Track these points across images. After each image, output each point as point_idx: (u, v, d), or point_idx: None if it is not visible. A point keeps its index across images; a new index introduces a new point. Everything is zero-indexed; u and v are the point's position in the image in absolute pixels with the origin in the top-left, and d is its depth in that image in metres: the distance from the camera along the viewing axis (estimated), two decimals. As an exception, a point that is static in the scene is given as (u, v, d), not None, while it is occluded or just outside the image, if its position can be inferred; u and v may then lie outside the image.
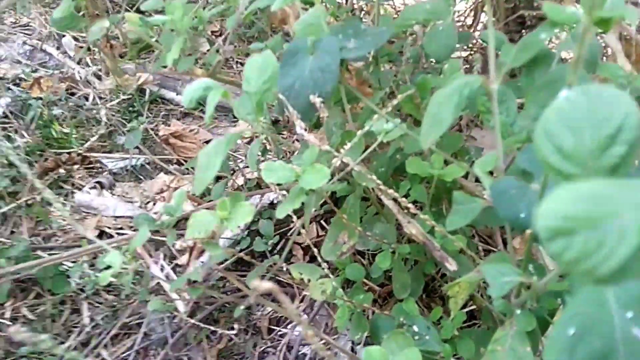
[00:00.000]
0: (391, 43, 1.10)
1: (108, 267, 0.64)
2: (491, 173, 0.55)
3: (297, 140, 1.21)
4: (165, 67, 0.86)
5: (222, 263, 1.01)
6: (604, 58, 1.51)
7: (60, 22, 0.81)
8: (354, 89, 0.85)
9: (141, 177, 1.25)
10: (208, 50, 1.65)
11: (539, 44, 0.50)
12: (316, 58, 0.65)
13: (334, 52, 0.64)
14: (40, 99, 1.36)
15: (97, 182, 1.17)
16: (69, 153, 1.23)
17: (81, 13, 1.70)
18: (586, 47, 0.32)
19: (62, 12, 0.79)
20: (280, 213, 0.56)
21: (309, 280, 0.69)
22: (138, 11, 0.96)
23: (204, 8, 1.31)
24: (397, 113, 0.88)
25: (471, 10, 1.47)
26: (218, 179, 1.21)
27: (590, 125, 0.31)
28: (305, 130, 0.62)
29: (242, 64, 1.79)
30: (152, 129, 1.37)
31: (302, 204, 0.63)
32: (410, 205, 0.65)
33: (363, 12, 1.36)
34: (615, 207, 0.20)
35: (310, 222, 1.11)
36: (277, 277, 0.85)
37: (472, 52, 1.61)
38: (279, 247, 1.03)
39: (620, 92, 0.32)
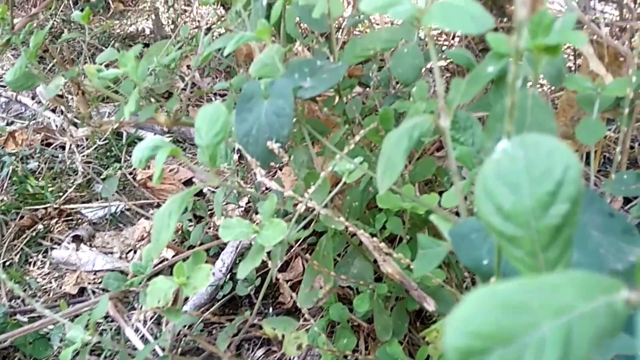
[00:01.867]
0: (365, 62, 1.08)
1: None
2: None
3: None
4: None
5: (209, 306, 0.98)
6: (577, 63, 1.50)
7: (15, 83, 0.80)
8: (320, 122, 0.83)
9: (121, 225, 1.22)
10: (180, 89, 1.64)
11: (486, 77, 0.48)
12: (271, 102, 0.63)
13: (288, 95, 0.61)
14: (15, 154, 1.35)
15: (75, 236, 1.14)
16: (45, 208, 1.20)
17: (52, 64, 1.69)
18: (516, 96, 0.30)
19: (14, 74, 0.77)
20: (241, 273, 0.53)
21: (283, 336, 0.66)
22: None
23: (177, 43, 1.30)
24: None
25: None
26: (199, 219, 1.18)
27: (530, 181, 0.29)
28: (280, 167, 0.60)
29: (221, 96, 1.78)
30: (130, 174, 1.35)
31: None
32: (382, 244, 0.62)
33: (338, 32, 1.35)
34: (532, 316, 0.17)
35: (295, 257, 1.08)
36: (254, 329, 0.82)
37: (451, 61, 1.60)
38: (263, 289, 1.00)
39: (559, 142, 0.29)
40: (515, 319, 0.17)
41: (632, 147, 1.42)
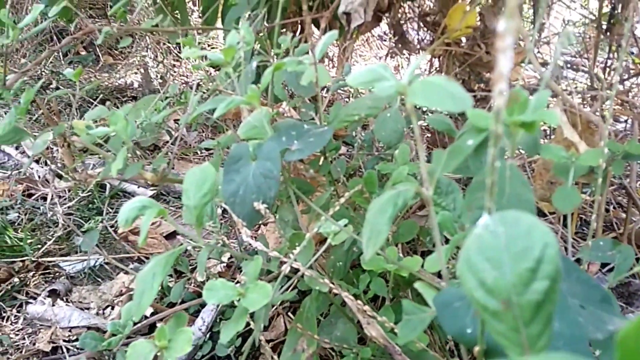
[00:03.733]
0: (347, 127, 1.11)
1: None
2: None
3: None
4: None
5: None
6: (550, 132, 1.56)
7: (2, 138, 0.80)
8: (306, 182, 0.85)
9: (100, 279, 1.20)
10: (165, 143, 1.65)
11: (466, 150, 0.50)
12: (258, 163, 0.65)
13: (275, 158, 0.63)
14: (-6, 205, 1.33)
15: (51, 290, 1.11)
16: (22, 261, 1.18)
17: (38, 115, 1.70)
18: (495, 175, 0.32)
19: (3, 129, 0.78)
20: (224, 337, 0.53)
21: (264, 402, 0.64)
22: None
23: (165, 99, 1.33)
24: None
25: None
26: (180, 275, 1.17)
27: (510, 257, 0.30)
28: (265, 223, 0.60)
29: (207, 150, 1.79)
30: (111, 227, 1.33)
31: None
32: (367, 307, 0.63)
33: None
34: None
35: (277, 316, 1.06)
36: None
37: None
38: (243, 348, 0.98)
39: (535, 220, 0.31)
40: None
41: (607, 210, 1.46)
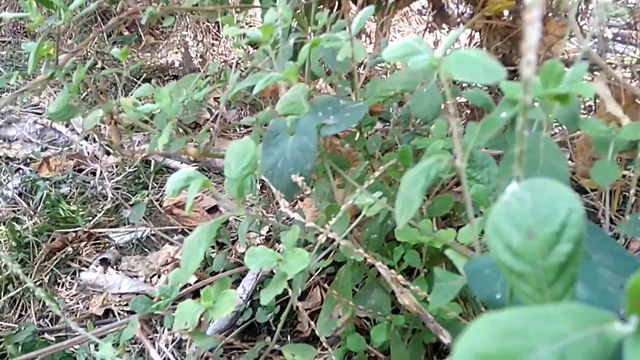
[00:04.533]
0: (384, 101, 1.12)
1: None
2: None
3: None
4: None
5: (229, 332, 1.01)
6: (595, 105, 1.52)
7: (56, 114, 0.85)
8: (341, 157, 0.87)
9: (147, 250, 1.27)
10: (206, 121, 1.70)
11: (500, 122, 0.51)
12: (296, 138, 0.67)
13: (312, 132, 0.65)
14: (49, 179, 1.41)
15: (102, 259, 1.19)
16: (75, 231, 1.25)
17: (85, 93, 1.78)
18: (524, 144, 0.33)
19: (57, 106, 0.83)
20: (264, 299, 0.56)
21: (301, 362, 0.68)
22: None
23: (205, 77, 1.37)
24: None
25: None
26: (221, 246, 1.22)
27: (536, 222, 0.31)
28: (301, 198, 0.63)
29: (245, 127, 1.83)
30: (157, 200, 1.39)
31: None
32: (400, 277, 0.65)
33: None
34: (530, 341, 0.20)
35: (314, 286, 1.10)
36: (272, 358, 0.84)
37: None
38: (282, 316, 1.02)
39: (562, 186, 0.32)
40: (514, 343, 0.20)
41: (652, 187, 1.42)
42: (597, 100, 1.54)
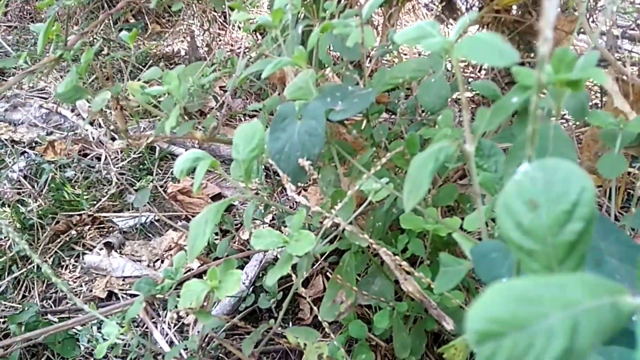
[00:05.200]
0: (392, 90, 1.12)
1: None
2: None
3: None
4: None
5: (232, 317, 1.01)
6: (603, 99, 1.51)
7: (64, 95, 0.86)
8: (348, 144, 0.87)
9: (150, 235, 1.27)
10: (211, 109, 1.70)
11: (510, 107, 0.51)
12: (303, 122, 0.67)
13: (320, 117, 0.65)
14: (54, 162, 1.41)
15: (106, 243, 1.19)
16: (80, 215, 1.26)
17: (91, 79, 1.78)
18: (537, 123, 0.33)
19: (65, 86, 0.83)
20: (269, 280, 0.56)
21: (305, 345, 0.68)
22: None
23: (212, 65, 1.36)
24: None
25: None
26: (225, 233, 1.22)
27: (547, 201, 0.31)
28: (305, 188, 0.63)
29: (250, 117, 1.83)
30: (161, 186, 1.40)
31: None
32: (404, 263, 0.65)
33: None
34: (543, 308, 0.20)
35: (316, 275, 1.10)
36: (274, 341, 0.84)
37: (476, 93, 1.63)
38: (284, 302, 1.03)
39: (575, 166, 0.32)
40: (528, 309, 0.20)
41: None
42: (604, 98, 1.53)
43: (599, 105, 1.69)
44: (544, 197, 0.32)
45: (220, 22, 2.65)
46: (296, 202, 0.70)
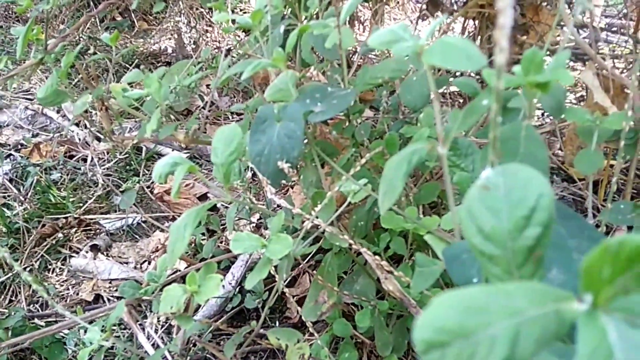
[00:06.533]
0: (378, 87, 1.12)
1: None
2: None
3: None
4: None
5: (218, 317, 1.01)
6: (587, 95, 1.52)
7: (45, 99, 0.85)
8: (330, 144, 0.87)
9: (137, 236, 1.27)
10: (198, 107, 1.69)
11: (482, 109, 0.51)
12: (282, 125, 0.67)
13: (299, 119, 0.66)
14: (39, 165, 1.41)
15: (93, 245, 1.19)
16: (66, 217, 1.26)
17: (77, 79, 1.77)
18: (498, 129, 0.34)
19: (46, 91, 0.83)
20: (249, 283, 0.57)
21: (287, 346, 0.69)
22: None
23: (197, 64, 1.36)
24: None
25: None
26: (212, 233, 1.22)
27: (508, 206, 0.32)
28: (292, 186, 0.63)
29: (237, 114, 1.83)
30: (147, 187, 1.40)
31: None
32: (384, 262, 0.66)
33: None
34: (488, 317, 0.21)
35: (303, 273, 1.11)
36: (257, 343, 0.85)
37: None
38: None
39: (534, 172, 0.33)
40: (473, 318, 0.21)
41: (639, 177, 1.43)
42: (589, 90, 1.54)
43: (585, 97, 1.71)
44: (504, 202, 0.32)
45: (208, 19, 2.64)
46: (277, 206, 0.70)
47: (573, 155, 1.29)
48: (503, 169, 0.33)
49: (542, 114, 1.69)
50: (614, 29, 2.06)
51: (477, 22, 1.63)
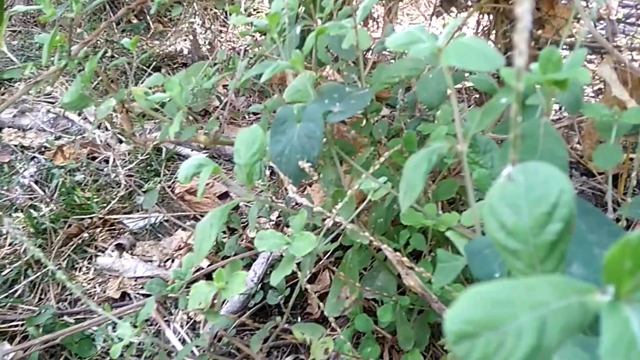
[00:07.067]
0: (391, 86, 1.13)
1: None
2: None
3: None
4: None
5: (241, 314, 1.04)
6: (602, 88, 1.51)
7: (70, 104, 0.88)
8: (349, 143, 0.89)
9: (160, 235, 1.30)
10: (215, 108, 1.72)
11: (500, 108, 0.52)
12: (302, 125, 0.69)
13: (318, 120, 0.67)
14: (63, 167, 1.44)
15: (118, 244, 1.22)
16: (91, 218, 1.29)
17: (96, 82, 1.80)
18: (518, 130, 0.35)
19: (71, 96, 0.85)
20: (274, 280, 0.59)
21: (311, 341, 0.70)
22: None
23: (214, 65, 1.38)
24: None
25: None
26: (233, 231, 1.25)
27: (529, 203, 0.33)
28: (310, 184, 0.65)
29: (254, 114, 1.85)
30: (169, 187, 1.42)
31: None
32: (405, 258, 0.67)
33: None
34: (513, 309, 0.22)
35: (324, 270, 1.13)
36: (281, 338, 0.87)
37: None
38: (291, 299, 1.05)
39: (555, 169, 0.34)
40: (499, 311, 0.22)
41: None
42: (607, 84, 1.53)
43: (604, 90, 1.69)
44: (525, 199, 0.34)
45: (222, 20, 2.66)
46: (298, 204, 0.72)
47: (592, 150, 1.28)
48: (523, 166, 0.35)
49: (560, 108, 1.68)
50: (631, 19, 2.03)
51: (491, 16, 1.63)
